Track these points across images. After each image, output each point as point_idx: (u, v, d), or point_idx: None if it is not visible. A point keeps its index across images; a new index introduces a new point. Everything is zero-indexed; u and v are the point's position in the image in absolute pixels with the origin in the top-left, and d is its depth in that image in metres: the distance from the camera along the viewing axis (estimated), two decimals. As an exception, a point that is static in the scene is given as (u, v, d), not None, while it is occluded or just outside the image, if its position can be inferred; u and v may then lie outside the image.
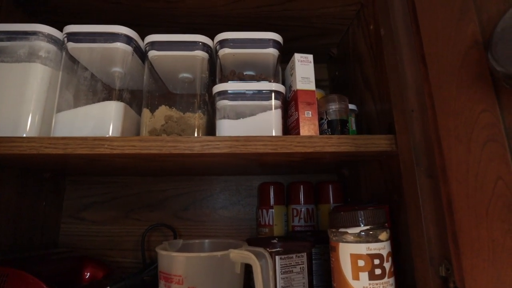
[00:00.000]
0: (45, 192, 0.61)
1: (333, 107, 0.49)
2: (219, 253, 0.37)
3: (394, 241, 0.45)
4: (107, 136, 0.39)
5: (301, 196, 0.64)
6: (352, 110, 0.55)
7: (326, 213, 0.63)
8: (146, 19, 0.58)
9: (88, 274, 0.52)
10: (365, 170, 0.57)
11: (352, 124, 0.54)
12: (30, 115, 0.42)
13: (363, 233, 0.36)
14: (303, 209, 0.63)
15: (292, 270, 0.41)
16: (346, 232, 0.37)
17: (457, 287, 0.31)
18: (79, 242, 0.65)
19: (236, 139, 0.39)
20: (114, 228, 0.66)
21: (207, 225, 0.67)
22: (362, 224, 0.37)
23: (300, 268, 0.41)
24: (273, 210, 0.62)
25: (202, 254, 0.36)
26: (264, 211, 0.62)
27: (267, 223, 0.62)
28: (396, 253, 0.44)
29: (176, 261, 0.36)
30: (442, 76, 0.35)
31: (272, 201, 0.63)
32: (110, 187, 0.68)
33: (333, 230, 0.39)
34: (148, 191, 0.68)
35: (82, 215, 0.66)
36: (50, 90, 0.45)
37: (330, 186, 0.64)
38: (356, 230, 0.36)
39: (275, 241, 0.43)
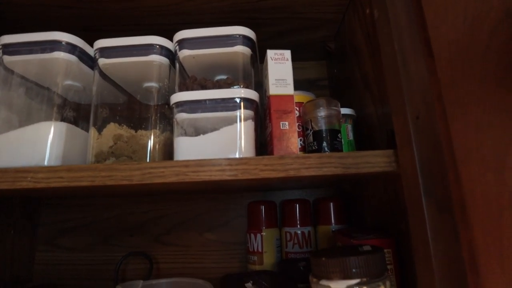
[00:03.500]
0: (13, 218, 0.56)
1: (321, 113, 0.39)
2: (200, 280, 0.29)
3: (401, 279, 0.34)
4: (32, 166, 0.32)
5: (296, 217, 0.54)
6: (348, 115, 0.45)
7: (326, 236, 0.53)
8: (107, 22, 0.51)
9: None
10: (368, 187, 0.46)
11: (349, 132, 0.44)
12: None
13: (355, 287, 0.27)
14: (298, 233, 0.53)
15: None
16: (329, 287, 0.27)
17: None
18: (56, 271, 0.60)
19: (186, 164, 0.31)
20: (92, 256, 0.60)
21: (192, 250, 0.60)
22: (351, 276, 0.27)
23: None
24: (262, 234, 0.53)
25: (162, 280, 0.28)
26: (253, 235, 0.54)
27: (255, 249, 0.53)
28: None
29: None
30: (456, 68, 0.25)
31: (262, 224, 0.54)
32: (88, 210, 0.62)
33: (314, 280, 0.29)
34: (128, 213, 0.62)
35: (58, 241, 0.61)
36: (-16, 112, 0.39)
37: (331, 204, 0.54)
38: (341, 285, 0.27)
39: (249, 284, 0.34)
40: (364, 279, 0.27)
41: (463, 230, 0.23)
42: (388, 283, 0.28)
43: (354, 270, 0.27)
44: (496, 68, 0.25)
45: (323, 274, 0.28)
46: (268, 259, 0.52)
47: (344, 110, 0.44)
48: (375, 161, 0.31)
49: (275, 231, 0.55)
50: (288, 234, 0.54)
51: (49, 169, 0.32)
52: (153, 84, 0.43)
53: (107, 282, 0.58)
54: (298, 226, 0.54)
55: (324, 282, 0.28)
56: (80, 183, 0.31)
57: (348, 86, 0.53)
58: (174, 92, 0.39)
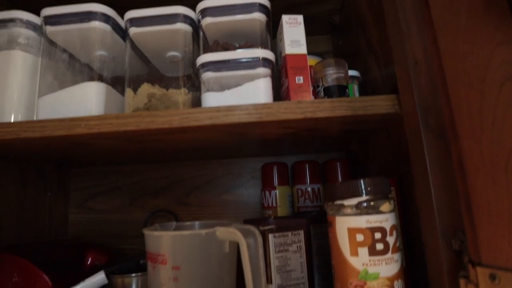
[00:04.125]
0: (49, 184, 0.62)
1: (330, 71, 0.44)
2: (203, 231, 0.34)
3: (404, 216, 0.40)
4: (84, 116, 0.37)
5: (306, 176, 0.60)
6: (354, 77, 0.50)
7: (335, 191, 0.59)
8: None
9: (90, 260, 0.52)
10: (374, 143, 0.52)
11: (355, 92, 0.49)
12: (14, 102, 0.42)
13: (362, 204, 0.32)
14: (309, 189, 0.59)
15: (288, 249, 0.37)
16: (343, 205, 0.33)
17: (473, 261, 0.27)
18: (87, 231, 0.65)
19: (217, 109, 0.36)
20: (120, 217, 0.66)
21: (211, 209, 0.65)
22: (361, 194, 0.32)
23: (297, 246, 0.38)
24: (276, 191, 0.59)
25: (184, 232, 0.34)
26: (267, 192, 0.59)
27: (270, 204, 0.58)
28: (406, 229, 0.40)
29: (159, 240, 0.34)
30: (447, 12, 0.30)
31: (275, 182, 0.60)
32: (114, 176, 0.68)
33: (329, 203, 0.35)
34: (150, 179, 0.67)
35: (88, 204, 0.67)
36: (32, 76, 0.44)
37: (337, 164, 0.59)
38: (353, 201, 0.32)
39: (269, 219, 0.40)
40: (372, 196, 0.32)
41: (453, 142, 0.28)
42: (392, 201, 0.33)
43: (362, 189, 0.32)
44: (479, 5, 0.29)
45: (337, 195, 0.34)
46: (282, 213, 0.58)
47: (351, 72, 0.49)
48: (380, 104, 0.36)
49: (288, 189, 0.60)
50: (299, 191, 0.59)
51: (99, 117, 0.37)
52: (179, 51, 0.48)
53: (134, 239, 0.64)
54: (308, 183, 0.59)
55: (338, 202, 0.33)
56: (127, 128, 0.36)
57: (352, 56, 0.58)
58: (197, 57, 0.44)
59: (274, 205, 0.58)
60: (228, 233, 0.34)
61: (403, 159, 0.40)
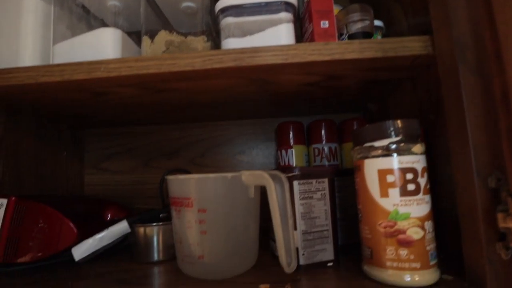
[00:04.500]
0: (64, 143, 0.62)
1: (355, 18, 0.42)
2: (229, 174, 0.34)
3: (429, 168, 0.39)
4: (103, 59, 0.36)
5: (322, 135, 0.59)
6: (378, 27, 0.48)
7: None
8: None
9: (110, 215, 0.52)
10: (394, 100, 0.50)
11: (379, 41, 0.47)
12: (29, 47, 0.41)
13: (393, 145, 0.31)
14: (325, 148, 0.58)
15: (312, 196, 0.37)
16: (373, 146, 0.32)
17: None
18: (103, 191, 0.66)
19: (242, 51, 0.35)
20: (135, 177, 0.66)
21: (225, 170, 0.65)
22: (392, 135, 0.31)
23: (321, 194, 0.37)
24: (292, 149, 0.58)
25: (211, 175, 0.33)
26: (283, 151, 0.59)
27: (286, 163, 0.58)
28: (430, 182, 0.39)
29: (185, 184, 0.34)
30: None
31: (291, 141, 0.59)
32: (128, 137, 0.67)
33: (357, 147, 0.34)
34: (164, 140, 0.67)
35: (103, 165, 0.67)
36: (45, 24, 0.42)
37: (355, 123, 0.58)
38: (384, 142, 0.31)
39: (294, 167, 0.39)
40: (403, 138, 0.31)
41: (497, 75, 0.26)
42: (423, 144, 0.32)
43: (394, 130, 0.31)
44: None
45: (367, 138, 0.33)
46: (299, 171, 0.57)
47: (375, 22, 0.47)
48: (411, 45, 0.35)
49: (304, 148, 0.59)
50: (316, 150, 0.58)
51: (119, 60, 0.36)
52: (194, 2, 0.46)
53: (149, 199, 0.65)
54: (325, 142, 0.58)
55: (368, 144, 0.32)
56: (148, 71, 0.35)
57: (374, 7, 0.55)
58: (214, 4, 0.42)
59: (291, 163, 0.58)
60: (255, 176, 0.33)
61: (430, 107, 0.39)
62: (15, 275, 0.39)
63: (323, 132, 0.59)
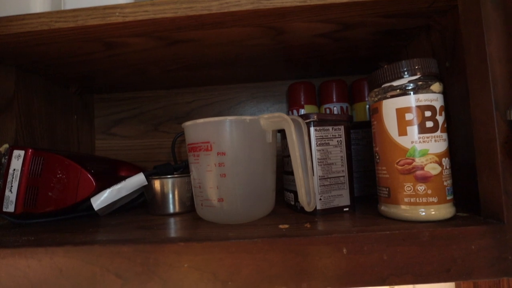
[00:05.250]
0: (74, 106, 0.62)
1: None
2: (247, 117, 0.34)
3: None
4: (118, 3, 0.35)
5: (333, 94, 0.59)
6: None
7: (362, 111, 0.58)
8: None
9: (123, 174, 0.53)
10: (407, 55, 0.50)
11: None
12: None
13: (411, 83, 0.31)
14: (336, 108, 0.58)
15: (329, 143, 0.37)
16: (391, 86, 0.32)
17: (531, 125, 0.26)
18: (114, 156, 0.66)
19: (259, -7, 0.34)
20: (145, 142, 0.67)
21: (236, 134, 0.65)
22: (409, 74, 0.31)
23: (338, 141, 0.38)
24: (304, 109, 0.58)
25: (230, 117, 0.33)
26: (295, 111, 0.59)
27: (298, 123, 0.58)
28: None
29: (204, 128, 0.34)
30: None
31: (302, 101, 0.59)
32: (136, 102, 0.67)
33: (375, 90, 0.34)
34: (174, 104, 0.67)
35: (113, 131, 0.67)
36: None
37: (366, 82, 0.58)
38: (402, 81, 0.31)
39: (310, 114, 0.39)
40: (422, 76, 0.31)
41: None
42: (441, 83, 0.32)
43: (412, 68, 0.31)
44: None
45: (384, 78, 0.33)
46: (309, 131, 0.58)
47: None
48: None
49: (315, 108, 0.59)
50: (327, 110, 0.59)
51: (134, 4, 0.35)
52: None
53: (160, 163, 0.65)
54: (336, 101, 0.58)
55: (386, 84, 0.33)
56: (164, 15, 0.35)
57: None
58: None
59: (301, 124, 0.58)
60: (273, 119, 0.34)
61: (446, 55, 0.39)
62: (36, 226, 0.41)
63: (334, 92, 0.59)
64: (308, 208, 0.32)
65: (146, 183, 0.42)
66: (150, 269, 0.29)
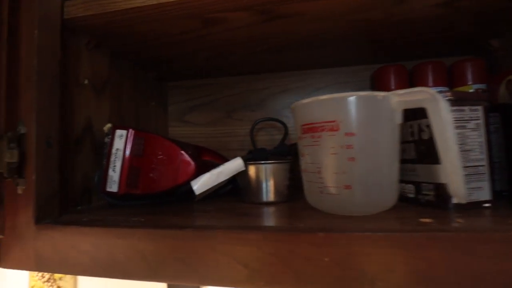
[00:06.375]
0: (153, 92, 0.61)
1: None
2: (381, 93, 0.30)
3: None
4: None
5: (429, 77, 0.52)
6: None
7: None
8: None
9: (207, 160, 0.51)
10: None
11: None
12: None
13: None
14: (436, 93, 0.52)
15: (465, 126, 0.32)
16: None
17: None
18: (187, 144, 0.65)
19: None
20: (218, 130, 0.65)
21: (314, 122, 0.61)
22: None
23: (475, 124, 0.32)
24: (398, 95, 0.52)
25: (360, 93, 0.29)
26: (387, 97, 0.53)
27: (391, 110, 0.53)
28: None
29: (328, 105, 0.30)
30: None
31: (393, 86, 0.53)
32: (210, 89, 0.65)
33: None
34: (248, 90, 0.64)
35: (186, 118, 0.66)
36: None
37: (469, 64, 0.51)
38: None
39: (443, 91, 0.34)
40: None
41: None
42: None
43: None
44: None
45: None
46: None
47: None
48: None
49: (409, 94, 0.53)
50: (424, 95, 0.52)
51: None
52: None
53: (233, 152, 0.63)
54: (432, 85, 0.52)
55: None
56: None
57: None
58: None
59: (395, 111, 0.52)
60: (412, 96, 0.29)
61: None
62: (136, 207, 0.39)
63: (429, 75, 0.53)
64: (462, 200, 0.27)
65: (244, 168, 0.40)
66: (281, 261, 0.26)
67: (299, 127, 0.34)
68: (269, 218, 0.32)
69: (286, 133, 0.54)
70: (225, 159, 0.53)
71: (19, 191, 0.32)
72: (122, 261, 0.29)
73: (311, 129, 0.32)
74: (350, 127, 0.29)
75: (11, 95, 0.32)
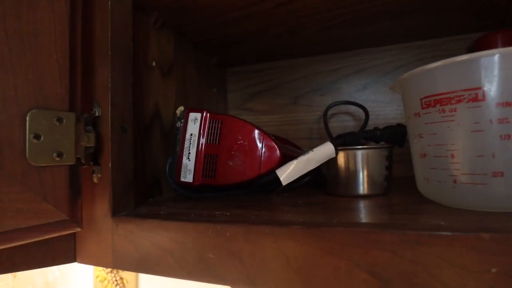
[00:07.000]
0: (214, 79, 0.58)
1: None
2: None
3: None
4: None
5: None
6: None
7: None
8: None
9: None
10: None
11: None
12: None
13: None
14: None
15: None
16: None
17: None
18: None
19: None
20: (283, 117, 0.59)
21: (394, 105, 0.53)
22: None
23: None
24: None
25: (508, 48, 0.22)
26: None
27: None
28: None
29: (467, 68, 0.23)
30: None
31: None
32: (272, 73, 0.60)
33: None
34: (315, 73, 0.57)
35: (247, 105, 0.62)
36: None
37: None
38: None
39: None
40: None
41: None
42: None
43: None
44: None
45: None
46: None
47: None
48: None
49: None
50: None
51: None
52: None
53: (299, 141, 0.57)
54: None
55: None
56: None
57: None
58: None
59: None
60: None
61: None
62: (209, 200, 0.35)
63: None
64: None
65: (334, 154, 0.34)
66: (426, 270, 0.19)
67: (417, 102, 0.27)
68: (388, 215, 0.26)
69: (367, 119, 0.47)
70: (299, 148, 0.48)
71: (95, 180, 0.30)
72: (213, 262, 0.25)
73: (439, 101, 0.25)
74: (504, 94, 0.22)
75: (87, 71, 0.29)
